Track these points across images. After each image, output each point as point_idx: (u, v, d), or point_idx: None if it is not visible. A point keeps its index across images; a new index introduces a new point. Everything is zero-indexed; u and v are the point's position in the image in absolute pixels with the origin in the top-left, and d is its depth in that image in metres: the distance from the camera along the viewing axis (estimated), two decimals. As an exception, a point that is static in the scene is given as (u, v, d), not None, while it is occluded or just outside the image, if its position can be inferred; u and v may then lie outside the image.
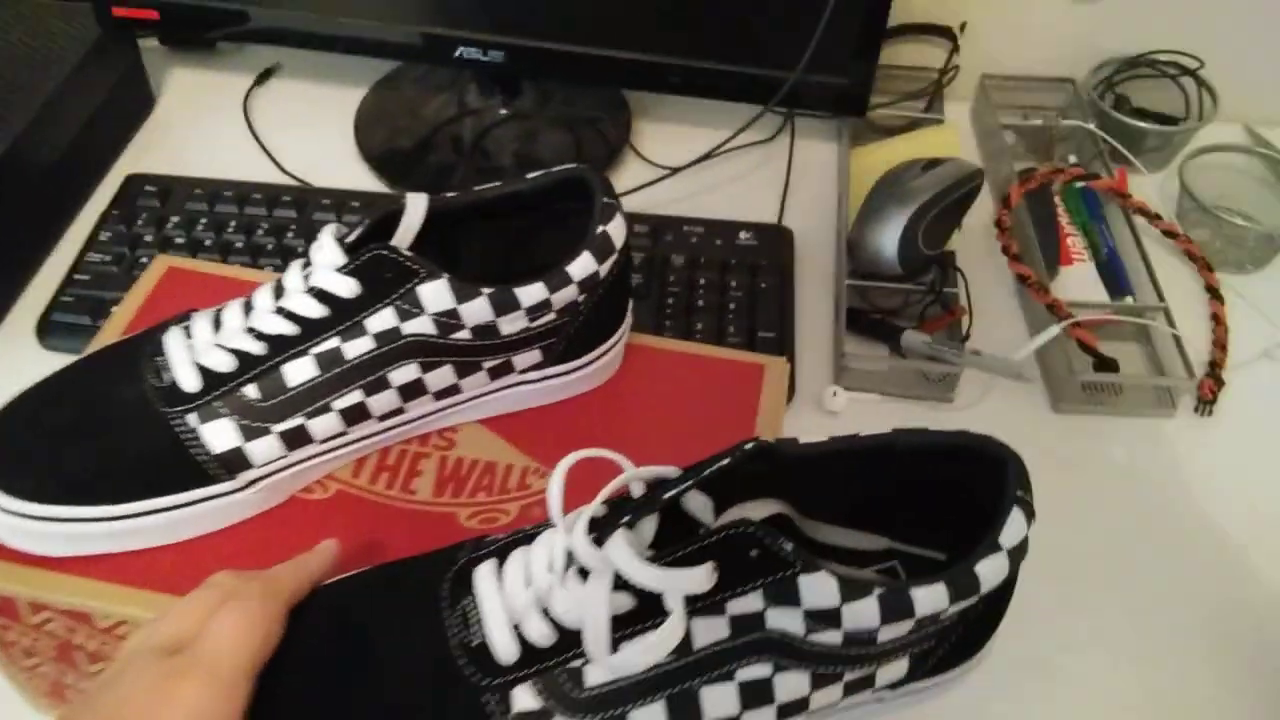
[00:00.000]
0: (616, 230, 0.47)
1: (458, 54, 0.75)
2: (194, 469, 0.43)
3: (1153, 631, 0.56)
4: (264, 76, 0.87)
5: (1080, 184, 0.77)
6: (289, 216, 0.73)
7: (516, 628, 0.36)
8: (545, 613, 0.36)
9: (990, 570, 0.37)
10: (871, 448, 0.41)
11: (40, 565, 0.43)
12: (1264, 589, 0.59)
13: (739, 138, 0.77)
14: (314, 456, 0.46)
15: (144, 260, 0.70)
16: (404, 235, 0.46)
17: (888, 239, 0.69)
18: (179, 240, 0.71)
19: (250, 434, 0.44)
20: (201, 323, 0.46)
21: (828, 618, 0.35)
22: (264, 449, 0.44)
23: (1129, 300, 0.72)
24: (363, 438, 0.47)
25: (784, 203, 0.79)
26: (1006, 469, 0.40)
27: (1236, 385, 0.68)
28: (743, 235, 0.74)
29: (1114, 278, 0.74)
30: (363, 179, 0.79)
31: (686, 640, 0.35)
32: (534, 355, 0.48)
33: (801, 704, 0.37)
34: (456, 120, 0.83)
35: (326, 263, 0.44)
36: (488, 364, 0.47)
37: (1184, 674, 0.55)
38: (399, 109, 0.84)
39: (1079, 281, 0.74)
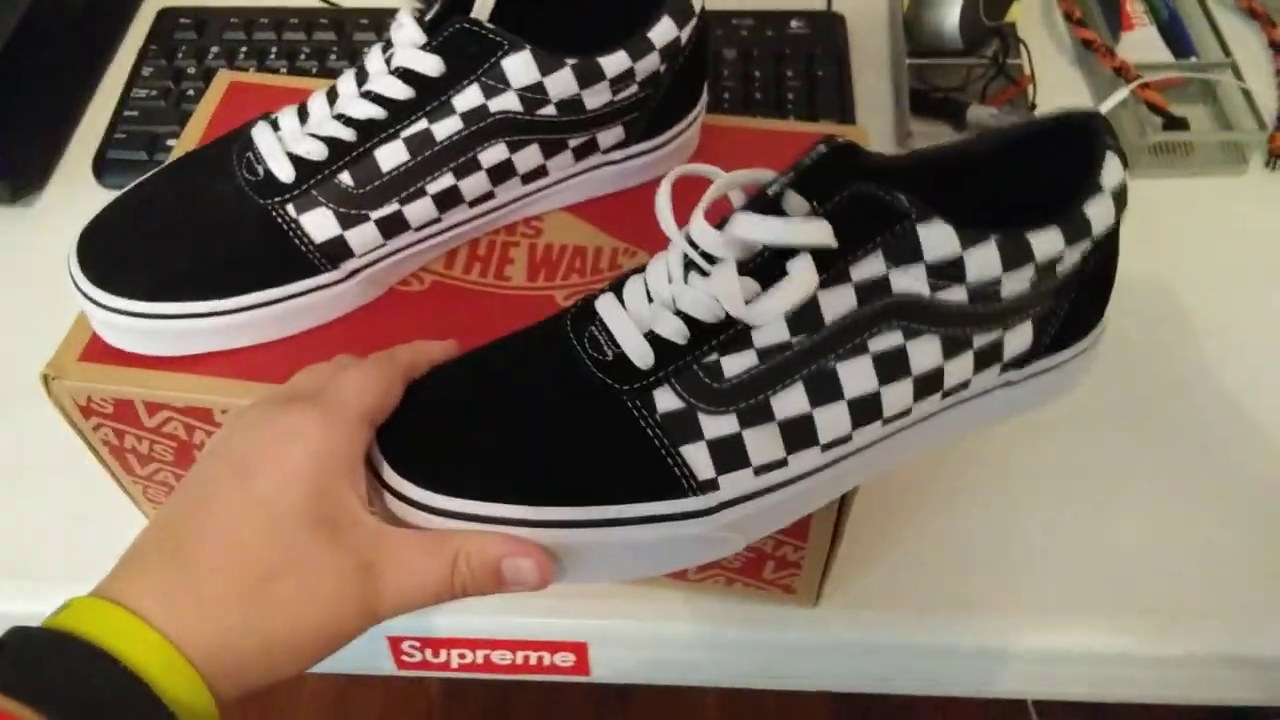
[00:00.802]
0: (694, -9, 0.46)
1: None
2: (298, 259, 0.44)
3: (1237, 407, 0.57)
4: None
5: (1139, -56, 0.74)
6: (329, 39, 0.72)
7: (649, 334, 0.36)
8: (676, 312, 0.35)
9: (1097, 212, 0.37)
10: (953, 154, 0.40)
11: (153, 365, 0.44)
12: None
13: (784, -79, 0.74)
14: (410, 245, 0.46)
15: (190, 93, 0.69)
16: (482, 8, 0.45)
17: (948, 13, 0.67)
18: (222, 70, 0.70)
19: (349, 222, 0.44)
20: (288, 115, 0.45)
21: (951, 270, 0.35)
22: (363, 236, 0.44)
23: (1194, 60, 0.70)
24: (455, 225, 0.47)
25: (836, -15, 0.77)
26: (1091, 125, 0.39)
27: (1308, 138, 0.67)
28: (794, 24, 0.72)
29: (1177, 40, 0.72)
30: (397, -3, 0.77)
31: (817, 313, 0.35)
32: (617, 132, 0.48)
33: (936, 377, 0.37)
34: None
35: (408, 41, 0.43)
36: (573, 142, 0.47)
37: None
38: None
39: (1142, 46, 0.72)
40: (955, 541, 0.52)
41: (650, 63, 0.46)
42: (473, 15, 0.44)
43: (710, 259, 0.36)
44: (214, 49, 0.71)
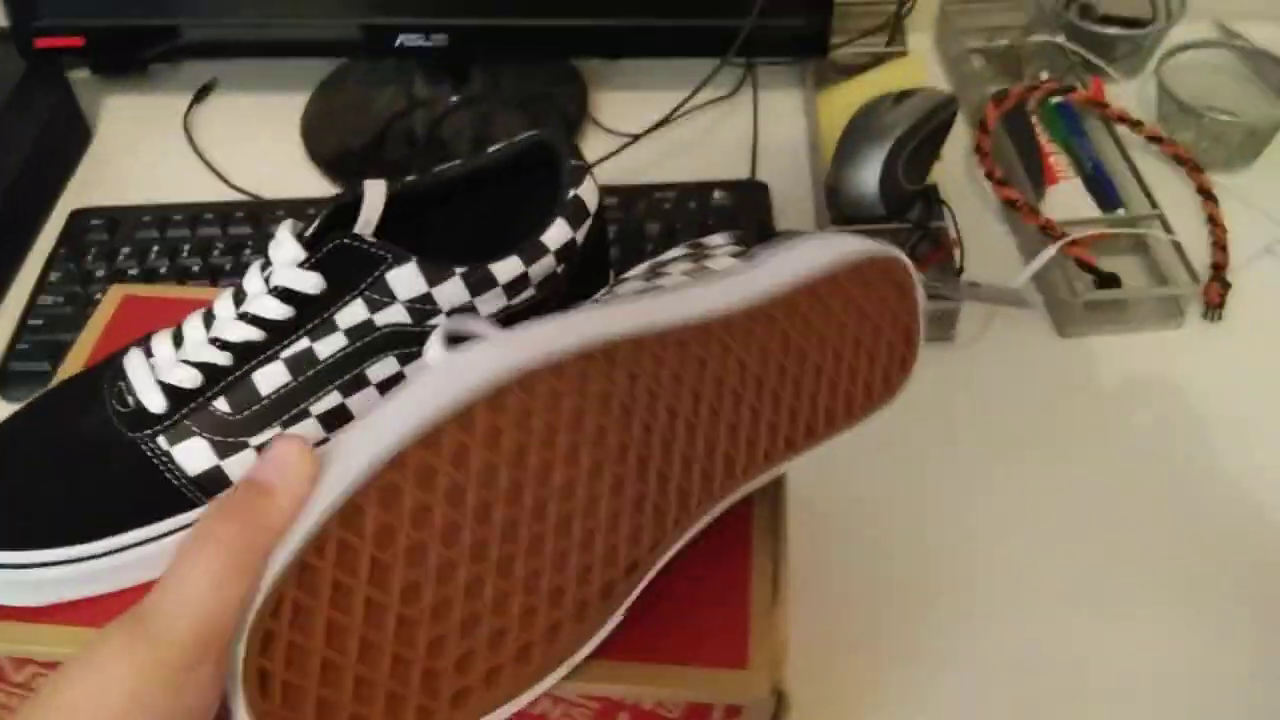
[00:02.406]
0: (589, 193, 0.45)
1: (399, 43, 0.73)
2: (171, 495, 0.41)
3: (1182, 553, 0.54)
4: (202, 93, 0.84)
5: (1056, 99, 0.75)
6: (244, 233, 0.70)
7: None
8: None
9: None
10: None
11: (18, 617, 0.40)
12: (1300, 488, 0.57)
13: (700, 95, 0.74)
14: (298, 469, 0.43)
15: (98, 297, 0.67)
16: (365, 224, 0.43)
17: (868, 179, 0.66)
18: (132, 271, 0.68)
19: (225, 450, 0.41)
20: (162, 341, 0.43)
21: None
22: (242, 466, 0.41)
23: (1121, 212, 0.70)
24: (347, 443, 0.44)
25: (755, 156, 0.77)
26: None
27: (1242, 286, 0.66)
28: (717, 194, 0.72)
29: (1103, 191, 0.72)
30: (316, 185, 0.76)
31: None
32: (517, 335, 0.46)
33: None
34: (407, 114, 0.80)
35: (286, 259, 0.41)
36: (470, 349, 0.44)
37: (1208, 598, 0.53)
38: (346, 109, 0.81)
39: (1067, 199, 0.72)
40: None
41: (545, 265, 0.44)
42: (357, 229, 0.42)
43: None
44: (125, 249, 0.69)
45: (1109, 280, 0.64)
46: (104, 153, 0.81)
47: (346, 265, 0.41)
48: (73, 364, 0.50)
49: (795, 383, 0.38)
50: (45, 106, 0.76)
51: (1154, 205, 0.68)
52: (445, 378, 0.33)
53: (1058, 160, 0.74)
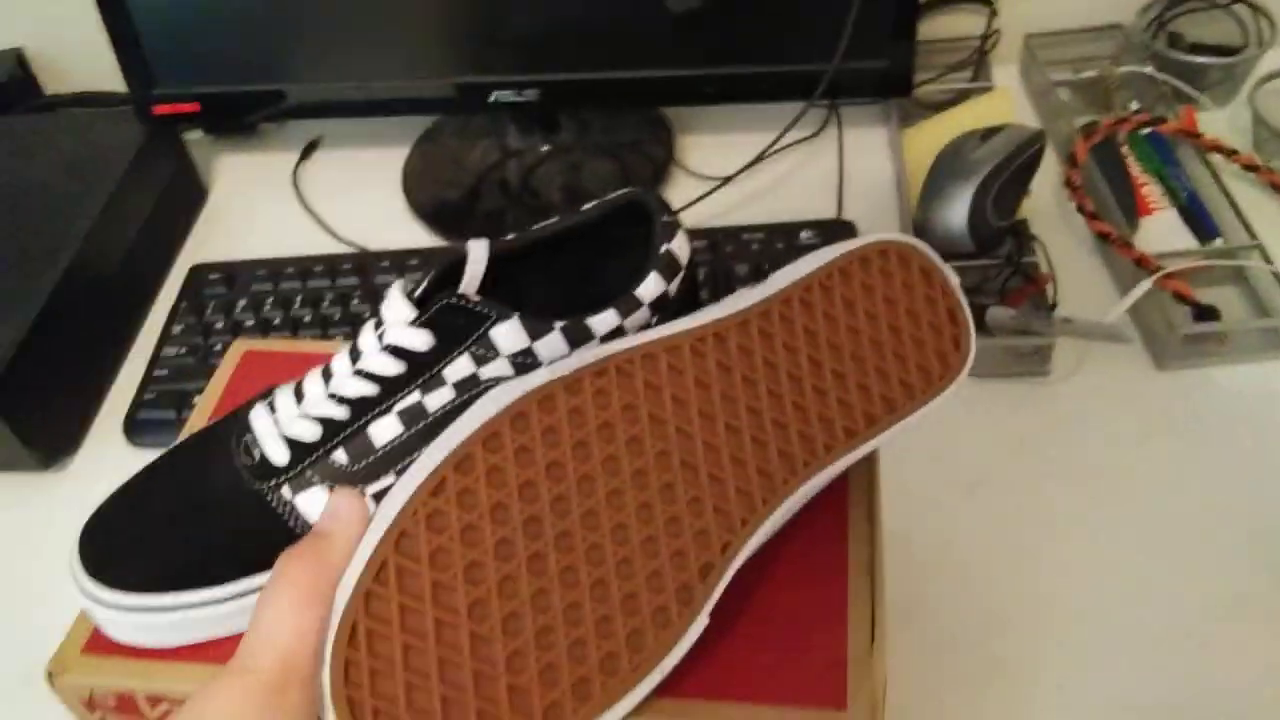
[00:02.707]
0: (680, 247, 0.46)
1: (492, 99, 0.75)
2: (293, 541, 0.43)
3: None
4: (309, 150, 0.88)
5: (1147, 130, 0.75)
6: (352, 284, 0.74)
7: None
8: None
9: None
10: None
11: (153, 657, 0.43)
12: None
13: (786, 137, 0.75)
14: (410, 515, 0.45)
15: (218, 348, 0.71)
16: (470, 282, 0.45)
17: (956, 216, 0.67)
18: (249, 323, 0.72)
19: (344, 500, 0.43)
20: (284, 396, 0.45)
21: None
22: (360, 514, 0.43)
23: (1218, 243, 0.69)
24: (456, 490, 0.46)
25: (841, 195, 0.78)
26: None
27: (1347, 314, 0.65)
28: (804, 234, 0.73)
29: (1199, 221, 0.71)
30: (418, 236, 0.80)
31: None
32: (615, 382, 0.47)
33: None
34: (500, 164, 0.83)
35: (398, 319, 0.44)
36: (570, 398, 0.46)
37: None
38: (443, 161, 0.84)
39: (1162, 231, 0.71)
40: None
41: (640, 317, 0.45)
42: (462, 287, 0.44)
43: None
44: (241, 302, 0.73)
45: (1208, 312, 0.63)
46: (219, 209, 0.85)
47: (453, 323, 0.43)
48: (199, 417, 0.53)
49: (835, 374, 0.40)
50: (164, 168, 0.81)
51: (1252, 235, 0.66)
52: (473, 414, 0.36)
53: (1150, 191, 0.73)
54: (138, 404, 0.69)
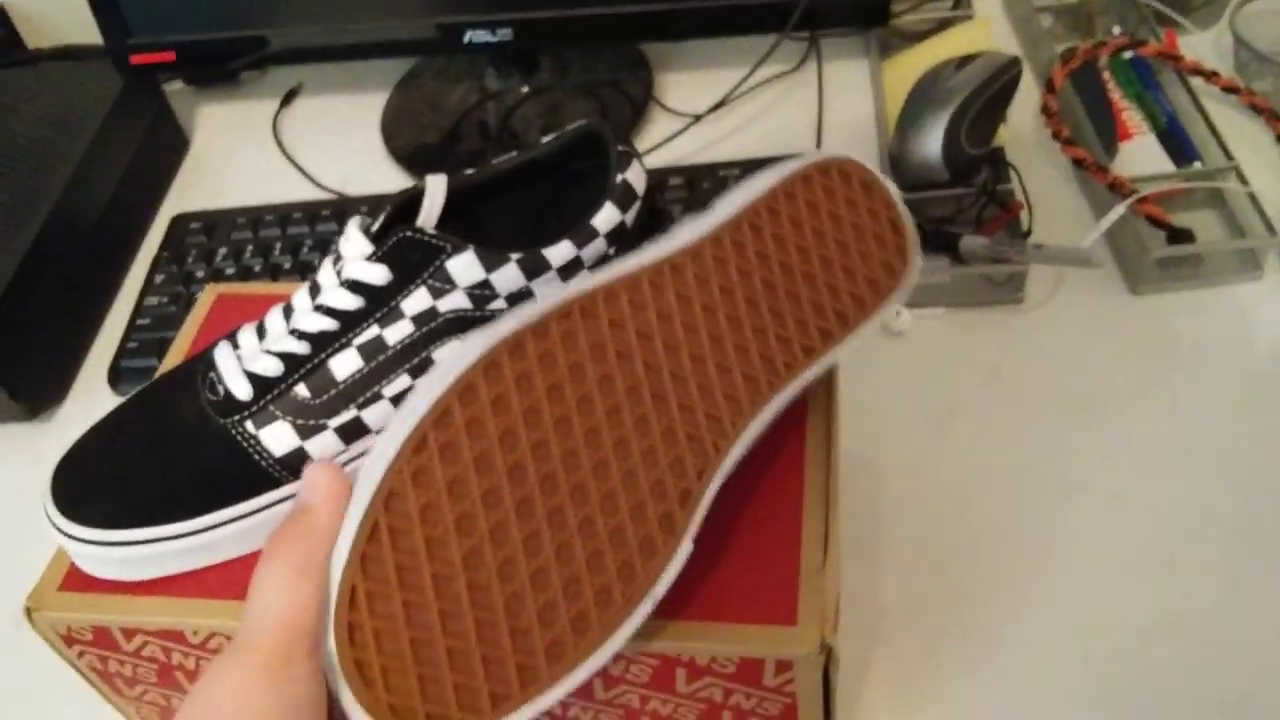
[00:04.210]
0: (636, 177, 0.46)
1: (467, 39, 0.75)
2: (260, 474, 0.44)
3: (1259, 515, 0.53)
4: (289, 97, 0.88)
5: (1127, 54, 0.74)
6: (331, 230, 0.74)
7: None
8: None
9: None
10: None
11: (126, 591, 0.44)
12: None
13: (765, 70, 0.75)
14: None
15: (199, 296, 0.71)
16: (427, 216, 0.45)
17: (930, 145, 0.66)
18: (229, 271, 0.72)
19: (307, 433, 0.44)
20: (247, 333, 0.46)
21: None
22: (323, 445, 0.44)
23: (1196, 166, 0.68)
24: (420, 423, 0.47)
25: (820, 129, 0.77)
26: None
27: (1325, 234, 0.64)
28: (782, 169, 0.72)
29: (1177, 145, 0.70)
30: (397, 180, 0.80)
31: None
32: (575, 315, 0.48)
33: None
34: (480, 106, 0.82)
35: (355, 253, 0.44)
36: (530, 330, 0.47)
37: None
38: (422, 105, 0.84)
39: (1141, 155, 0.70)
40: None
41: (597, 248, 0.45)
42: (419, 221, 0.44)
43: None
44: (222, 250, 0.74)
45: (1182, 235, 0.63)
46: (201, 158, 0.86)
47: (410, 256, 0.44)
48: (172, 359, 0.54)
49: (790, 295, 0.41)
50: (144, 118, 0.81)
51: (1229, 156, 0.66)
52: (444, 367, 0.36)
53: (1130, 116, 0.72)
54: (121, 353, 0.69)
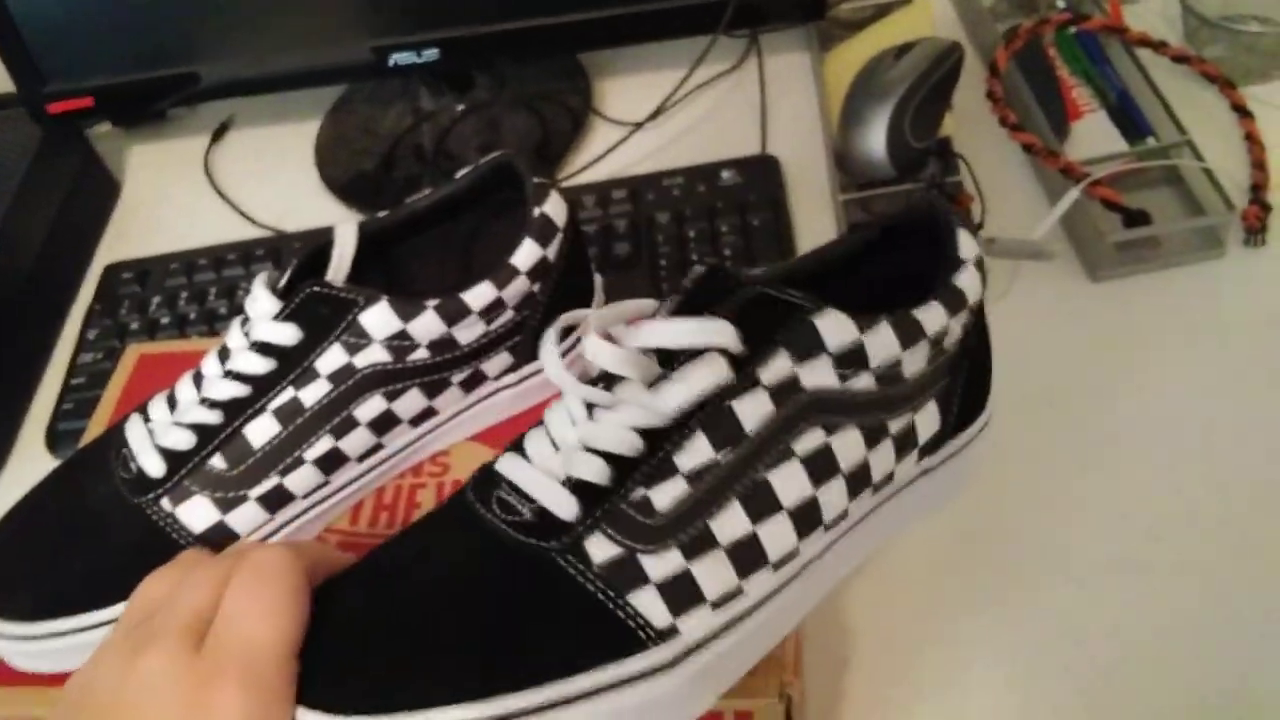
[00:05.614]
0: (555, 209, 0.44)
1: (392, 63, 0.72)
2: (178, 553, 0.42)
3: (1232, 505, 0.52)
4: (220, 132, 0.86)
5: (1072, 29, 0.71)
6: (266, 269, 0.71)
7: (567, 480, 0.33)
8: (590, 450, 0.33)
9: (967, 282, 0.38)
10: (817, 258, 0.41)
11: (53, 683, 0.42)
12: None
13: (704, 72, 0.73)
14: (302, 514, 0.44)
15: (135, 347, 0.69)
16: (338, 267, 0.43)
17: (874, 141, 0.64)
18: (165, 320, 0.70)
19: (226, 506, 0.42)
20: (158, 405, 0.44)
21: (854, 357, 0.35)
22: (245, 518, 0.42)
23: (1150, 141, 0.66)
24: (349, 483, 0.45)
25: (765, 129, 0.75)
26: (934, 209, 0.40)
27: (1285, 205, 0.62)
28: (725, 174, 0.70)
29: (1129, 121, 0.68)
30: (335, 212, 0.77)
31: (736, 424, 0.33)
32: (504, 358, 0.45)
33: (864, 471, 0.36)
34: (415, 128, 0.80)
35: (262, 313, 0.42)
36: (456, 378, 0.44)
37: (1257, 553, 0.50)
38: (355, 131, 0.81)
39: (1094, 133, 0.68)
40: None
41: (519, 287, 0.43)
42: (330, 273, 0.42)
43: (610, 383, 0.34)
44: (156, 299, 0.71)
45: (1138, 218, 0.61)
46: (132, 203, 0.83)
47: (320, 312, 0.42)
48: (95, 428, 0.52)
49: None
50: (69, 167, 0.78)
51: (1181, 130, 0.64)
52: None
53: (1080, 94, 0.70)
54: (57, 415, 0.67)
